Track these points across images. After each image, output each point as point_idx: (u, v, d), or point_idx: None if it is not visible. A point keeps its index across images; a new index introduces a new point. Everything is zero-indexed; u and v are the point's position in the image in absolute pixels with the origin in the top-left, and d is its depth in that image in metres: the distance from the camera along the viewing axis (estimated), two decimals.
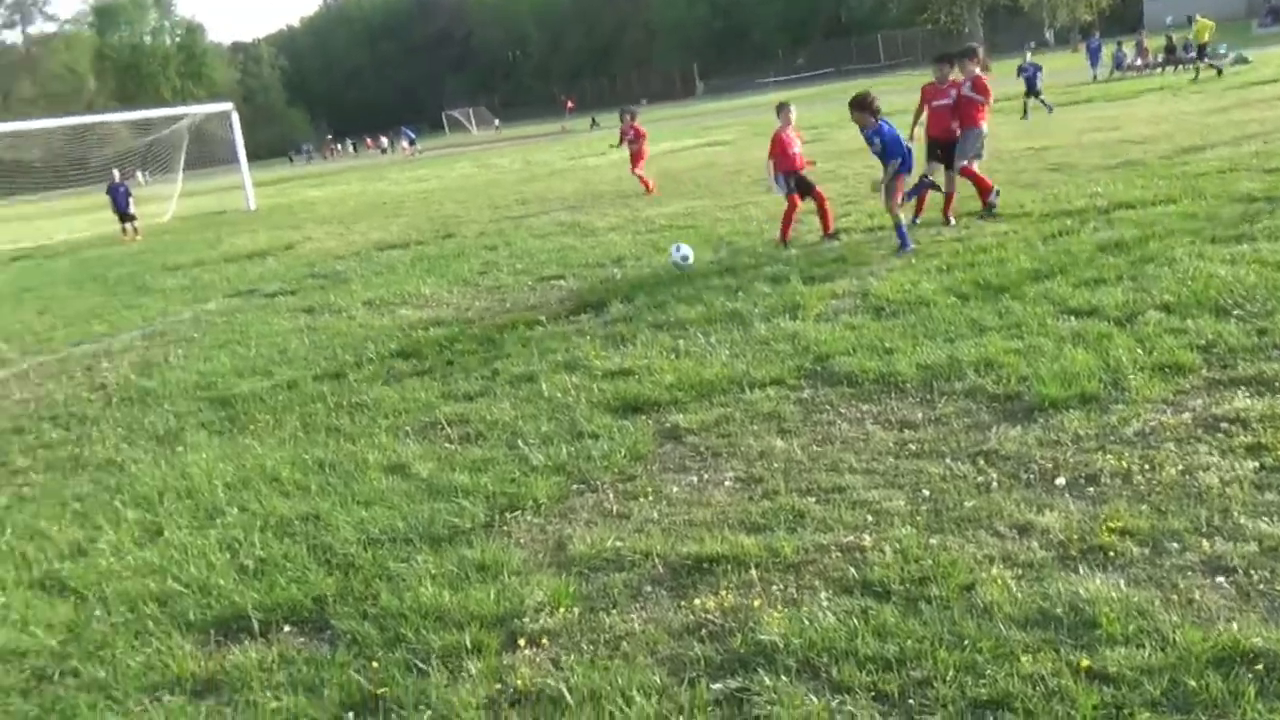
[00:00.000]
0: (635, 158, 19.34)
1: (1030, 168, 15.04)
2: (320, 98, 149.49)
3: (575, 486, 5.47)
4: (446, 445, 6.42)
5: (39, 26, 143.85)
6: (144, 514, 5.94)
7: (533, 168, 32.92)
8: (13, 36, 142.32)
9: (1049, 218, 10.78)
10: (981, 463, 5.03)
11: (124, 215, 27.07)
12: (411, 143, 76.57)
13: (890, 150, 10.32)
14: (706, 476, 5.39)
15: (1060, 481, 4.71)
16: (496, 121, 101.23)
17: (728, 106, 71.72)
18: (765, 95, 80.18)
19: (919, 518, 4.53)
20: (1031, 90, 26.31)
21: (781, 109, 11.78)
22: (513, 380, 7.61)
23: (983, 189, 11.46)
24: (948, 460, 5.11)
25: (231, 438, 7.25)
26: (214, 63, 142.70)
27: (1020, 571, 3.96)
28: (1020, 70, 26.90)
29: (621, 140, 19.78)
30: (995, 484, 4.77)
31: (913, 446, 5.36)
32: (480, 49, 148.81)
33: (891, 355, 6.80)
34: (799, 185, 11.52)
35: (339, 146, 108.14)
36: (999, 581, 3.87)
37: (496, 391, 7.39)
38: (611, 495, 5.30)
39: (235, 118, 34.14)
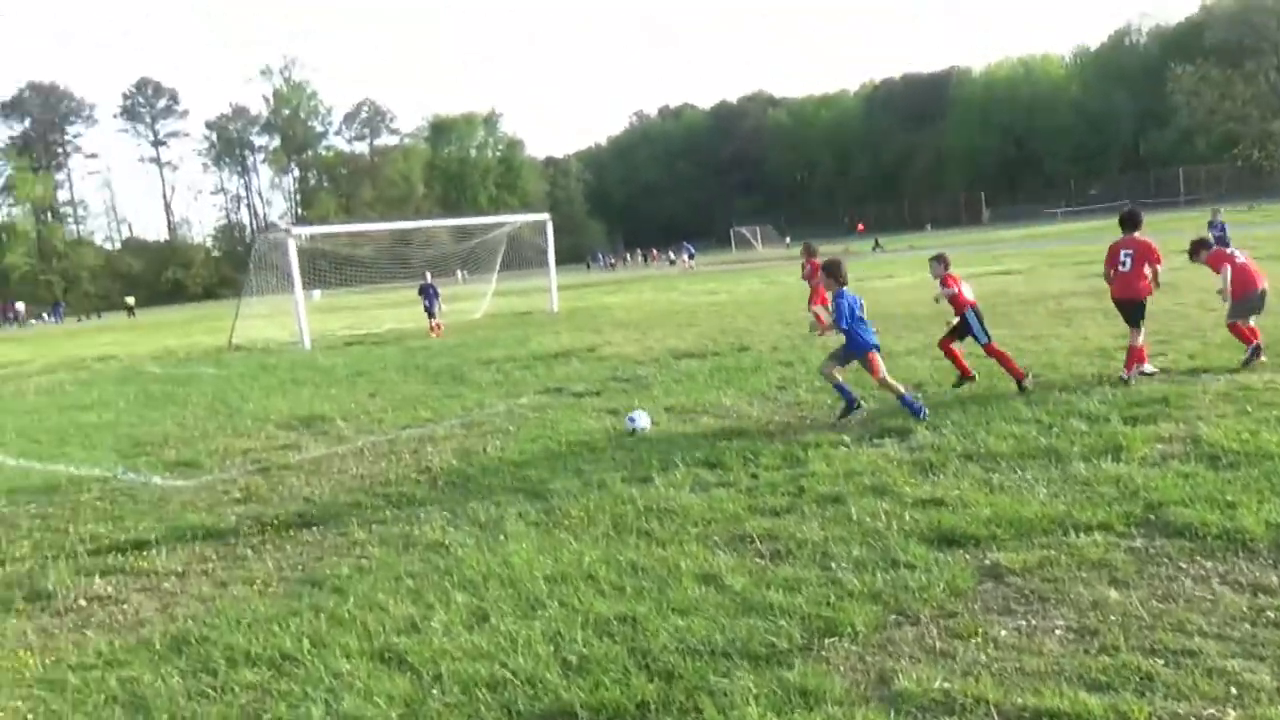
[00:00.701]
0: (814, 293, 19.30)
1: None
2: (617, 210, 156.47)
3: (893, 617, 5.23)
4: (757, 560, 6.31)
5: (383, 139, 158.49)
6: (471, 598, 6.12)
7: None
8: (361, 148, 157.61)
9: None
10: None
11: (431, 312, 29.09)
12: (691, 256, 79.07)
13: (835, 318, 10.21)
14: (1035, 622, 5.02)
15: None
16: (788, 239, 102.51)
17: (1015, 235, 69.68)
18: (1054, 226, 77.51)
19: None
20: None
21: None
22: (819, 500, 7.44)
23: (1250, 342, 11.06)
24: None
25: (548, 531, 7.42)
26: (528, 175, 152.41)
27: None
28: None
29: (804, 275, 19.77)
30: None
31: (1270, 614, 4.82)
32: (770, 170, 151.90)
33: (1235, 510, 6.19)
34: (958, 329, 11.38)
35: (628, 257, 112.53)
36: None
37: (804, 509, 7.24)
38: (934, 631, 5.02)
39: (549, 227, 36.15)
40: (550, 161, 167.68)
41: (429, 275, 30.59)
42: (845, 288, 10.27)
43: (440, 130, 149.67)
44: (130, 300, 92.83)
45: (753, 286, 38.16)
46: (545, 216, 36.86)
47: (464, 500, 8.59)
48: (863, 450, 8.84)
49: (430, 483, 9.43)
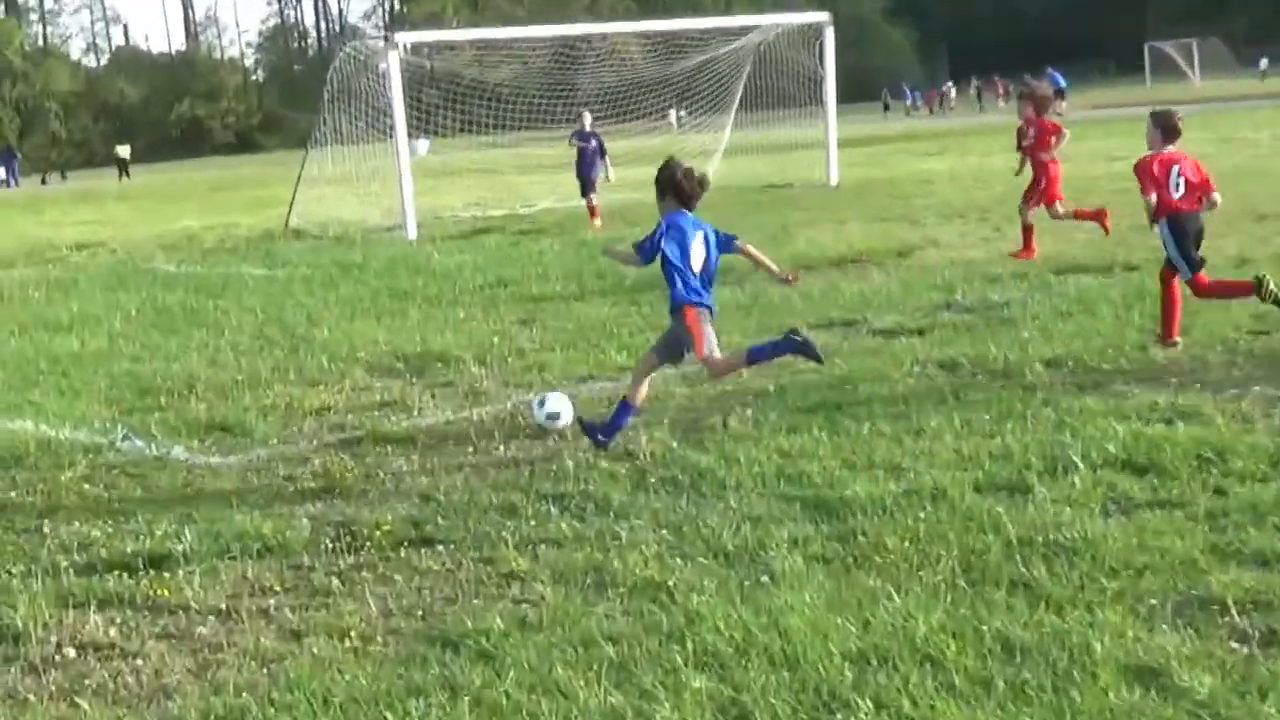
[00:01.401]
0: (1041, 184, 18.62)
1: None
2: (938, 13, 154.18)
3: None
4: (1234, 646, 6.05)
5: None
6: (718, 684, 6.06)
7: None
8: None
9: None
10: None
11: (590, 183, 29.23)
12: (1060, 94, 77.31)
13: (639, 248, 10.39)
14: None
15: None
16: (1264, 62, 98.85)
17: None
18: None
19: None
20: None
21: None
22: None
23: None
24: None
25: (846, 572, 7.32)
26: None
27: None
28: None
29: (1020, 144, 19.13)
30: None
31: None
32: None
33: None
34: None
35: (954, 92, 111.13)
36: None
37: None
38: None
39: (829, 36, 36.14)
40: None
41: (588, 120, 30.77)
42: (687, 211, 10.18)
43: None
44: (124, 152, 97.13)
45: (1190, 146, 36.91)
46: (821, 18, 36.59)
47: (695, 511, 8.60)
48: None
49: (634, 477, 9.49)
